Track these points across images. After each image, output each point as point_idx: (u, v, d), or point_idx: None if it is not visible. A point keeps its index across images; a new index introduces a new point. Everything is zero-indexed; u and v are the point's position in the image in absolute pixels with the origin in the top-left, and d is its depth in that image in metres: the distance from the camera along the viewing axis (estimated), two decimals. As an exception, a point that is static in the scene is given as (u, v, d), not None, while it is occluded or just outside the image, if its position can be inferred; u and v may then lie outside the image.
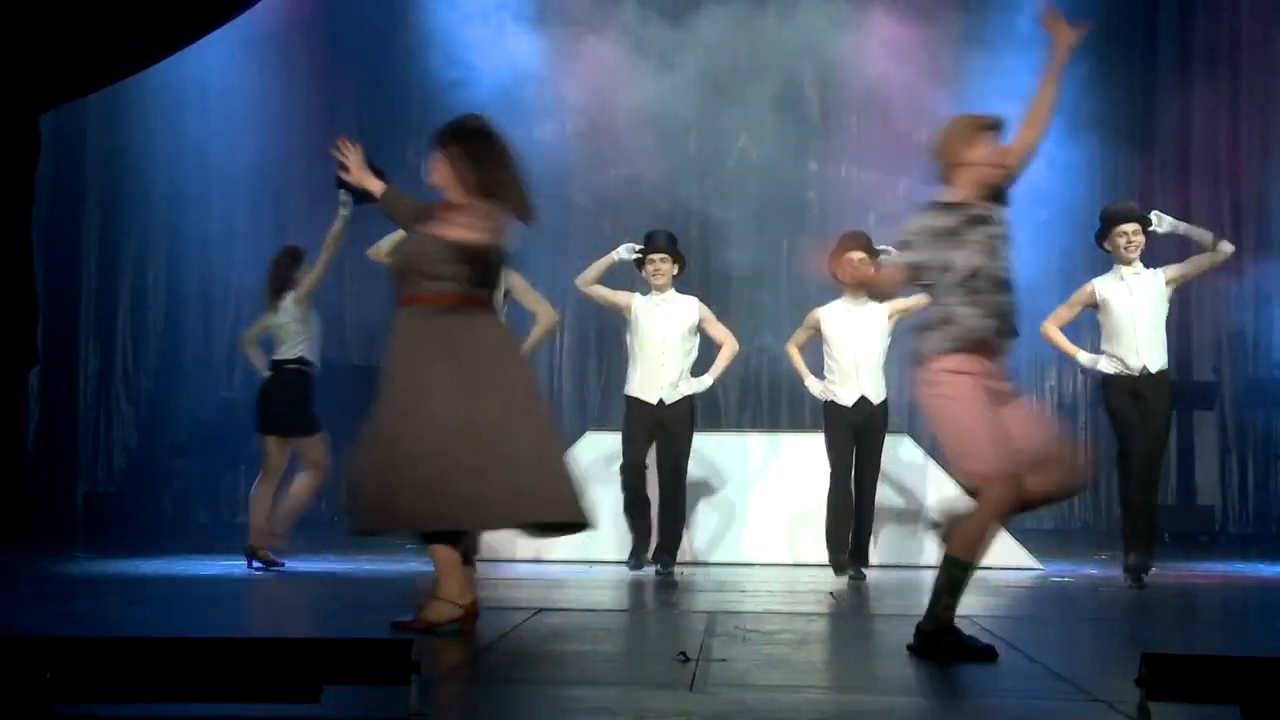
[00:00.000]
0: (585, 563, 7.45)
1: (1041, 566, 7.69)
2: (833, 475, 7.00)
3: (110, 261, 11.19)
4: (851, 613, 5.69)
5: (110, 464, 11.10)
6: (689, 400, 7.10)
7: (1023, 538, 7.78)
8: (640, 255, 7.16)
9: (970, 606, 5.78)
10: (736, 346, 7.25)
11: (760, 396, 11.25)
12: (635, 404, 7.10)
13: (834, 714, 3.21)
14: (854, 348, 6.98)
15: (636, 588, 5.87)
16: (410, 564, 7.19)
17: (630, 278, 7.65)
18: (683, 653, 3.96)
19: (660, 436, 7.07)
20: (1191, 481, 10.77)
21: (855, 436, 6.97)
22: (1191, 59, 11.11)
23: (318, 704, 2.89)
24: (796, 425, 10.55)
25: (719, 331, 7.20)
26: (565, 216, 11.06)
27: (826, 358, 7.08)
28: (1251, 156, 11.03)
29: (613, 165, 11.14)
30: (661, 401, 7.05)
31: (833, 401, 7.00)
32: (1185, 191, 10.99)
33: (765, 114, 10.94)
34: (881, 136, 10.93)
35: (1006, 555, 7.80)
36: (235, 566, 6.93)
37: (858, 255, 6.42)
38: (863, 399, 6.97)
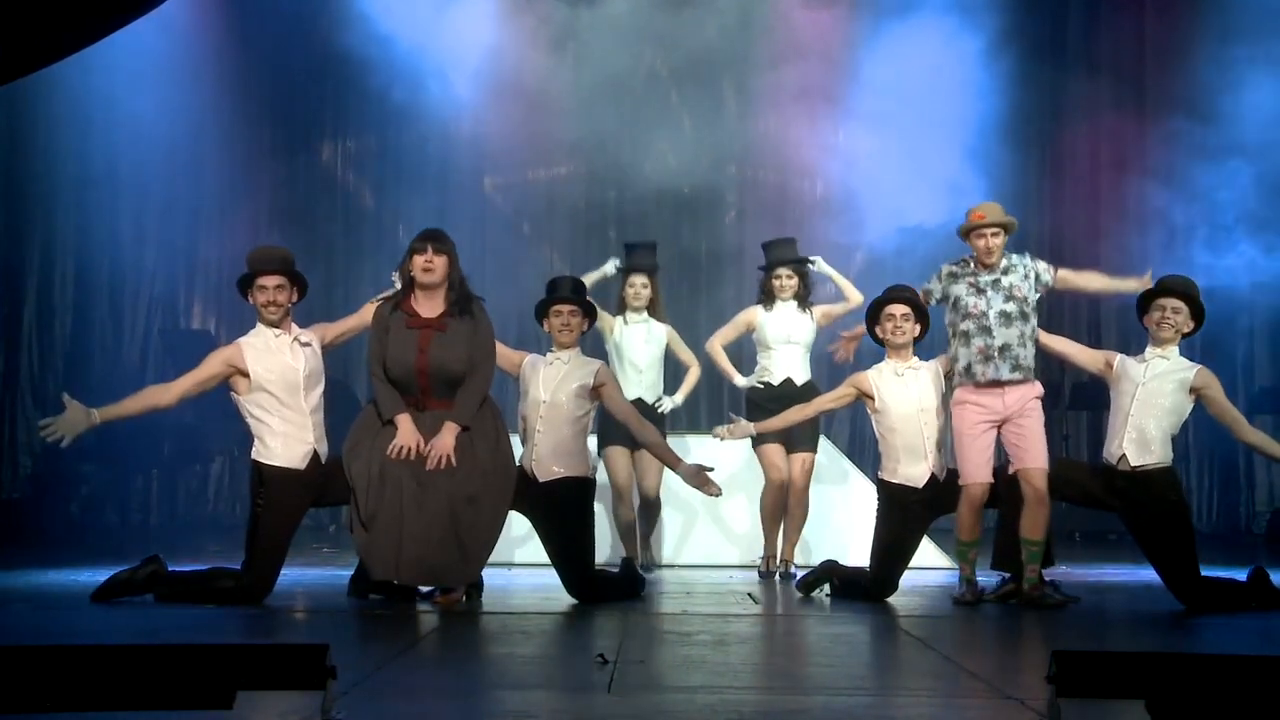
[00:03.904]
0: (505, 566, 7.43)
1: (955, 567, 7.79)
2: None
3: (15, 261, 10.92)
4: (769, 613, 5.72)
5: (15, 469, 10.85)
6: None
7: (938, 539, 7.88)
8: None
9: (888, 605, 5.85)
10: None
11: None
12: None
13: (751, 714, 3.23)
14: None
15: (554, 590, 5.86)
16: (322, 569, 7.12)
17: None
18: (601, 655, 3.96)
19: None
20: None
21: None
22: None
23: (231, 710, 2.85)
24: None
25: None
26: (483, 217, 11.04)
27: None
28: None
29: (529, 165, 11.10)
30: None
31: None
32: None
33: (684, 110, 10.92)
34: (799, 135, 10.92)
35: (922, 556, 7.91)
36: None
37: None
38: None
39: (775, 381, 7.18)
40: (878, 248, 10.43)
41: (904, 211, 10.46)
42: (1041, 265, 6.06)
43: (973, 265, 6.03)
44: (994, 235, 5.98)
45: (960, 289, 6.02)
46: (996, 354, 5.90)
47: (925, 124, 10.15)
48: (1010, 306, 5.94)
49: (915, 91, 10.06)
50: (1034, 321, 6.00)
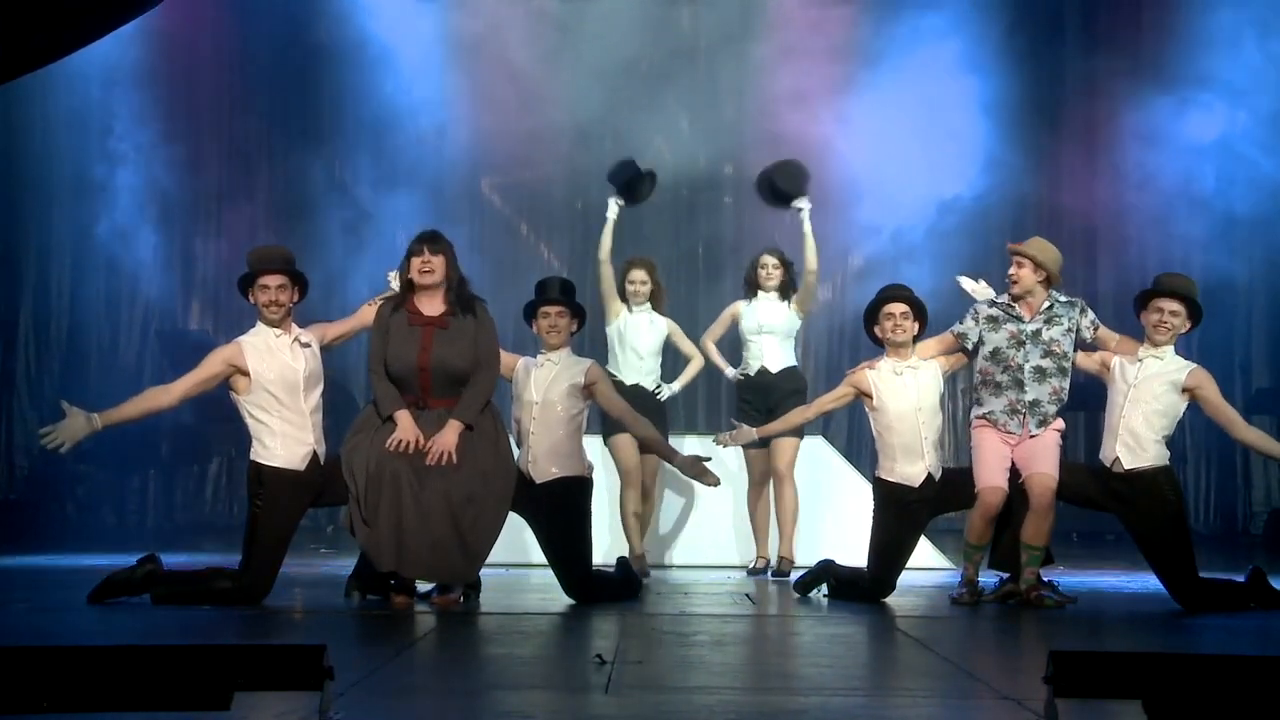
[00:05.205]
0: (504, 566, 7.42)
1: (954, 567, 7.80)
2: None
3: (12, 262, 10.91)
4: (766, 613, 5.73)
5: (12, 470, 10.83)
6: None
7: (937, 539, 7.89)
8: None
9: (886, 605, 5.85)
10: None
11: (675, 398, 11.22)
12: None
13: (749, 715, 3.23)
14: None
15: (552, 590, 5.86)
16: (320, 570, 7.11)
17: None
18: (599, 655, 3.96)
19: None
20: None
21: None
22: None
23: (229, 711, 2.85)
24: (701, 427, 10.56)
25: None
26: (480, 217, 11.02)
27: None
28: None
29: (527, 165, 11.06)
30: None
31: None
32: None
33: (681, 109, 10.87)
34: (802, 135, 10.84)
35: (921, 556, 7.91)
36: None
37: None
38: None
39: (753, 372, 7.37)
40: (879, 236, 10.42)
41: (911, 194, 10.37)
42: (1086, 320, 5.90)
43: (1017, 308, 5.90)
44: (1020, 265, 5.86)
45: (1000, 339, 5.89)
46: (1025, 409, 5.83)
47: (930, 111, 10.07)
48: (1047, 363, 5.85)
49: (921, 75, 9.96)
50: (1069, 378, 5.89)
